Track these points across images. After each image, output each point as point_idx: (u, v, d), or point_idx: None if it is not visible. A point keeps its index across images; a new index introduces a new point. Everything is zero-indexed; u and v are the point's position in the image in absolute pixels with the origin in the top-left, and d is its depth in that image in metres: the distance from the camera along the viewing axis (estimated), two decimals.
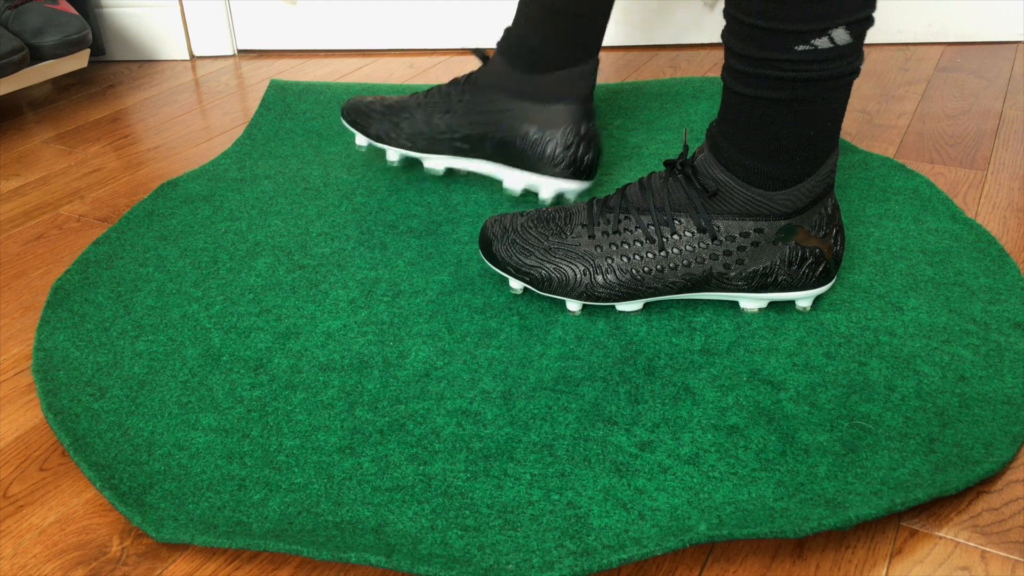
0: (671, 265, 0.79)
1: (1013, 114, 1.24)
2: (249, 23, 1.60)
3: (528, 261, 0.83)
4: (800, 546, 0.61)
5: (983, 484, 0.65)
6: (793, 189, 0.76)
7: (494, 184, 1.09)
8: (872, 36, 1.54)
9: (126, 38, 1.60)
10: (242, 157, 1.19)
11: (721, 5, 1.54)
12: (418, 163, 1.15)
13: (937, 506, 0.64)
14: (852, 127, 1.23)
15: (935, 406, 0.71)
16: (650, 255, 0.80)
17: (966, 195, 1.04)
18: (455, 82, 1.04)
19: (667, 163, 0.81)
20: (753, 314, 0.82)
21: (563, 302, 0.85)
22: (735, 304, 0.84)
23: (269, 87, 1.40)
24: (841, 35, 0.69)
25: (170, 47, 1.60)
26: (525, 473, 0.66)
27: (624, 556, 0.58)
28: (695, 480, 0.65)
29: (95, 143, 1.28)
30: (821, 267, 0.80)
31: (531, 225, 0.84)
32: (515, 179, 1.02)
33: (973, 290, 0.84)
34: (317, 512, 0.63)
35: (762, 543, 0.62)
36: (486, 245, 0.85)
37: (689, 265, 0.79)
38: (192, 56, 1.62)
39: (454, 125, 1.03)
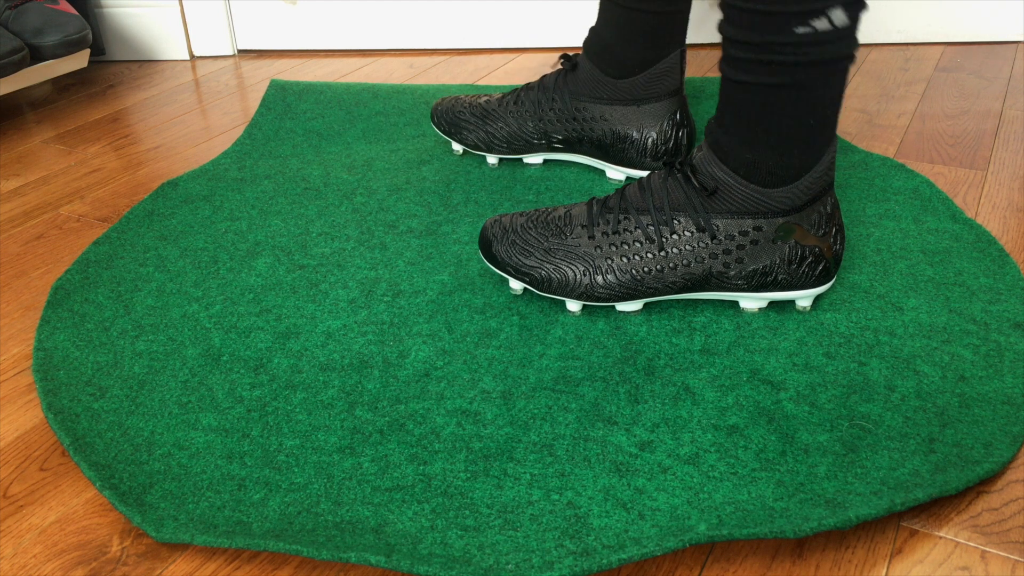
0: (671, 265, 0.79)
1: (1013, 114, 1.24)
2: (249, 23, 1.60)
3: (528, 262, 0.83)
4: (800, 546, 0.61)
5: (983, 484, 0.65)
6: (792, 186, 0.76)
7: (494, 184, 1.09)
8: (872, 36, 1.54)
9: (126, 38, 1.60)
10: (242, 157, 1.19)
11: None
12: (417, 163, 1.15)
13: (937, 506, 0.64)
14: (852, 127, 1.23)
15: (935, 406, 0.71)
16: (650, 255, 0.80)
17: (966, 195, 1.04)
18: (543, 87, 1.08)
19: (666, 162, 0.81)
20: (753, 314, 0.82)
21: (563, 302, 0.85)
22: (735, 304, 0.84)
23: (269, 87, 1.40)
24: (839, 16, 0.70)
25: (170, 47, 1.60)
26: (525, 473, 0.66)
27: (624, 556, 0.58)
28: (695, 480, 0.65)
29: (95, 143, 1.28)
30: (821, 266, 0.80)
31: (531, 226, 0.84)
32: (616, 171, 1.07)
33: (973, 290, 0.84)
34: (317, 512, 0.63)
35: (762, 543, 0.62)
36: (486, 246, 0.85)
37: (689, 265, 0.79)
38: (192, 56, 1.62)
39: (548, 130, 1.08)
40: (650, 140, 1.03)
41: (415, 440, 0.69)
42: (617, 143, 1.04)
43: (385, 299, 0.87)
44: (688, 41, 1.58)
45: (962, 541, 0.61)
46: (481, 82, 1.44)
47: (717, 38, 1.57)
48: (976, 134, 1.18)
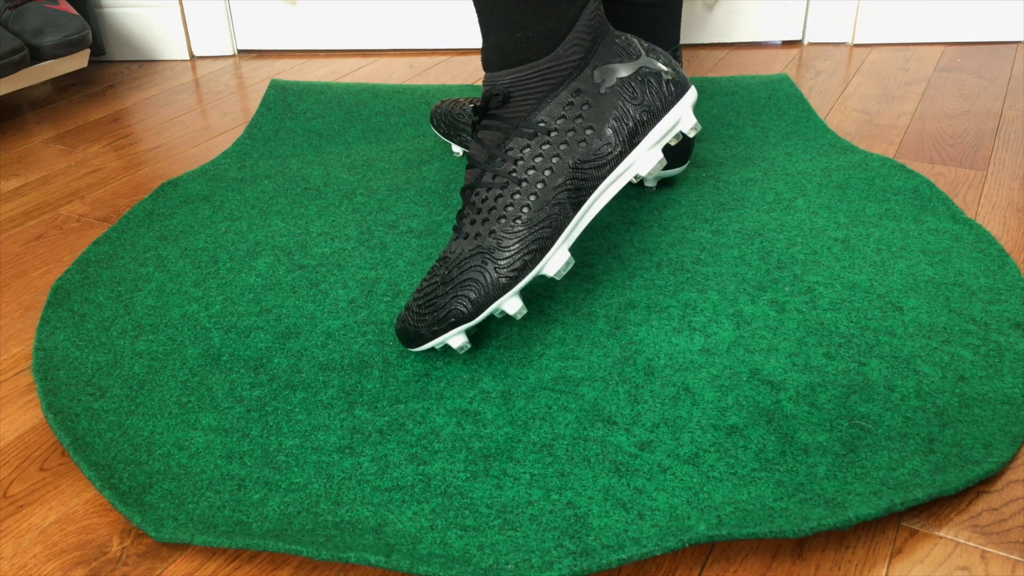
0: (539, 189, 0.73)
1: (1013, 114, 1.24)
2: (249, 23, 1.60)
3: (438, 314, 0.74)
4: (800, 546, 0.61)
5: (983, 484, 0.65)
6: (569, 37, 0.72)
7: None
8: (872, 36, 1.54)
9: (126, 38, 1.60)
10: (242, 157, 1.19)
11: (721, 5, 1.54)
12: (417, 163, 1.15)
13: (937, 506, 0.64)
14: (852, 127, 1.23)
15: (935, 406, 0.71)
16: (517, 198, 0.73)
17: (966, 195, 1.04)
18: None
19: (472, 130, 0.77)
20: (753, 314, 0.82)
21: (557, 301, 0.85)
22: (735, 304, 0.84)
23: (269, 87, 1.40)
24: None
25: (170, 47, 1.60)
26: (525, 473, 0.66)
27: (624, 556, 0.58)
28: (695, 480, 0.65)
29: (95, 143, 1.28)
30: (666, 81, 0.75)
31: (421, 290, 0.76)
32: None
33: (973, 290, 0.84)
34: (317, 512, 0.63)
35: (762, 543, 0.62)
36: (412, 340, 0.76)
37: (554, 171, 0.73)
38: (192, 56, 1.62)
39: None
40: None
41: (415, 440, 0.69)
42: None
43: (385, 299, 0.87)
44: (687, 41, 1.58)
45: (962, 541, 0.61)
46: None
47: (716, 38, 1.57)
48: (976, 134, 1.18)
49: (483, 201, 0.75)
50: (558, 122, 0.74)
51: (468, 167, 0.77)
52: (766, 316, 0.82)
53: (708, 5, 1.54)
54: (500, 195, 0.74)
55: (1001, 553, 0.60)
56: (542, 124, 0.74)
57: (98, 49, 1.59)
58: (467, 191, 0.77)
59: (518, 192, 0.74)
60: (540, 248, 0.74)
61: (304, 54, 1.61)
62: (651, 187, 1.05)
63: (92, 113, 1.38)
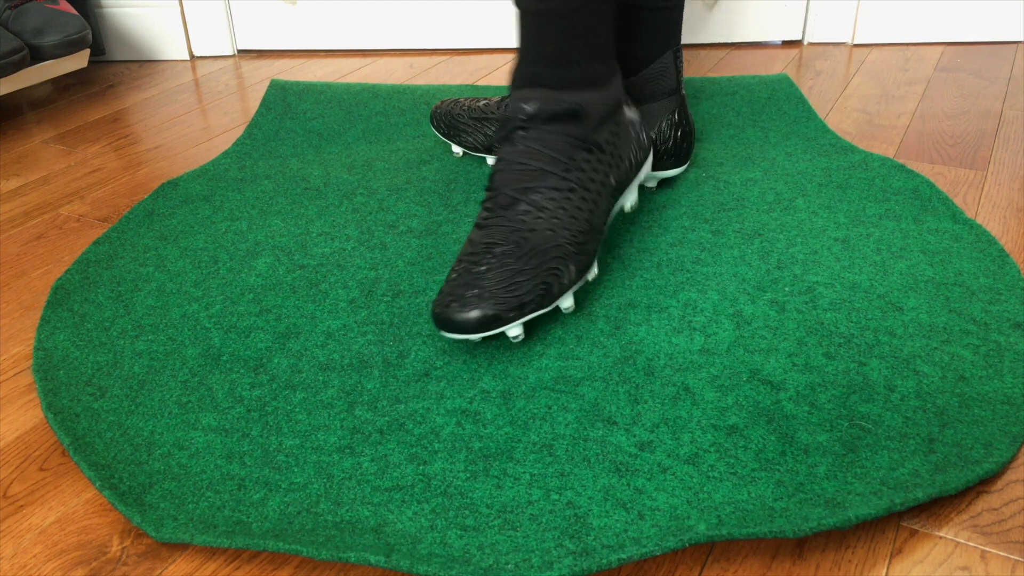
0: (595, 199, 0.82)
1: (1013, 114, 1.24)
2: (249, 23, 1.60)
3: (525, 297, 0.76)
4: (800, 546, 0.61)
5: (983, 484, 0.65)
6: (616, 76, 0.86)
7: None
8: (872, 36, 1.54)
9: (126, 38, 1.60)
10: (242, 157, 1.19)
11: (721, 5, 1.54)
12: (417, 163, 1.15)
13: (937, 506, 0.64)
14: (852, 127, 1.23)
15: (935, 406, 0.71)
16: (583, 204, 0.81)
17: (966, 195, 1.04)
18: None
19: (501, 137, 0.83)
20: (753, 314, 0.82)
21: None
22: (735, 304, 0.84)
23: (269, 87, 1.40)
24: None
25: (170, 47, 1.61)
26: (525, 473, 0.66)
27: (623, 556, 0.58)
28: (694, 480, 0.65)
29: (95, 143, 1.28)
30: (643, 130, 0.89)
31: (480, 275, 0.77)
32: None
33: (973, 290, 0.84)
34: (317, 512, 0.63)
35: (762, 543, 0.62)
36: (485, 324, 0.75)
37: (604, 186, 0.83)
38: (192, 56, 1.62)
39: None
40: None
41: (415, 440, 0.69)
42: None
43: (385, 299, 0.87)
44: (687, 41, 1.58)
45: (962, 541, 0.61)
46: (481, 82, 1.44)
47: (716, 38, 1.57)
48: (976, 134, 1.18)
49: (550, 201, 0.79)
50: (608, 145, 0.84)
51: (518, 166, 0.81)
52: (766, 316, 0.82)
53: (708, 5, 1.54)
54: (569, 198, 0.80)
55: (1001, 553, 0.60)
56: (601, 143, 0.83)
57: (98, 49, 1.59)
58: (525, 190, 0.80)
59: (584, 199, 0.81)
60: (593, 253, 0.82)
61: (304, 54, 1.61)
62: (651, 187, 1.05)
63: (92, 113, 1.38)
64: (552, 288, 0.78)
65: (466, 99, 1.15)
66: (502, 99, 1.12)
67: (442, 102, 1.16)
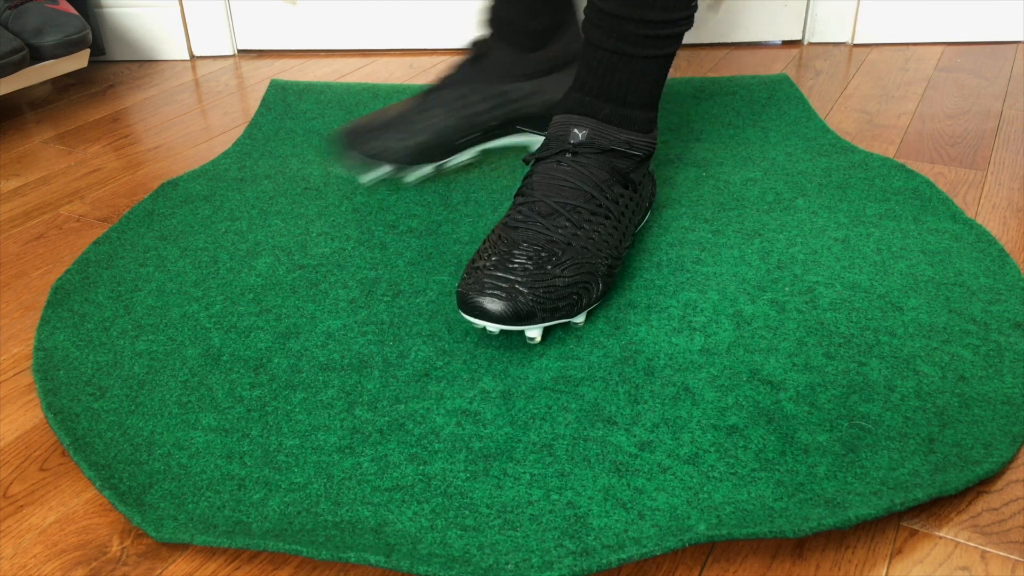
0: (620, 233, 0.85)
1: (1013, 114, 1.24)
2: (249, 23, 1.60)
3: (560, 303, 0.77)
4: (800, 546, 0.61)
5: (983, 484, 0.65)
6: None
7: (494, 183, 1.09)
8: (872, 36, 1.54)
9: (126, 38, 1.60)
10: (242, 157, 1.19)
11: (722, 5, 1.54)
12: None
13: (937, 506, 0.64)
14: (852, 127, 1.23)
15: (935, 406, 0.70)
16: (613, 232, 0.84)
17: (966, 195, 1.04)
18: (461, 81, 1.03)
19: (539, 157, 0.85)
20: (753, 314, 0.82)
21: None
22: (735, 304, 0.84)
23: (269, 87, 1.40)
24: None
25: (170, 47, 1.61)
26: (525, 473, 0.66)
27: (623, 556, 0.58)
28: (694, 480, 0.65)
29: (95, 143, 1.28)
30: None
31: (517, 266, 0.78)
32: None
33: (973, 290, 0.84)
34: (317, 512, 0.63)
35: (762, 543, 0.62)
36: (517, 317, 0.76)
37: (628, 226, 0.87)
38: (192, 56, 1.62)
39: (480, 122, 1.03)
40: None
41: (415, 440, 0.69)
42: (545, 112, 1.04)
43: (385, 299, 0.87)
44: (688, 41, 1.58)
45: (962, 541, 0.61)
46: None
47: (716, 38, 1.57)
48: (976, 134, 1.18)
49: (587, 223, 0.82)
50: (640, 186, 0.89)
51: (561, 182, 0.83)
52: (766, 316, 0.82)
53: (710, 5, 1.54)
54: (604, 225, 0.83)
55: (1001, 553, 0.60)
56: (636, 183, 0.87)
57: (98, 49, 1.59)
58: (566, 205, 0.82)
59: (615, 228, 0.84)
60: (614, 280, 0.85)
61: (304, 54, 1.61)
62: None
63: (92, 113, 1.38)
64: (582, 300, 0.79)
65: (366, 116, 1.03)
66: (409, 105, 1.03)
67: (341, 129, 1.03)
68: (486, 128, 1.04)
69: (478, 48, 1.04)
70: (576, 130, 0.84)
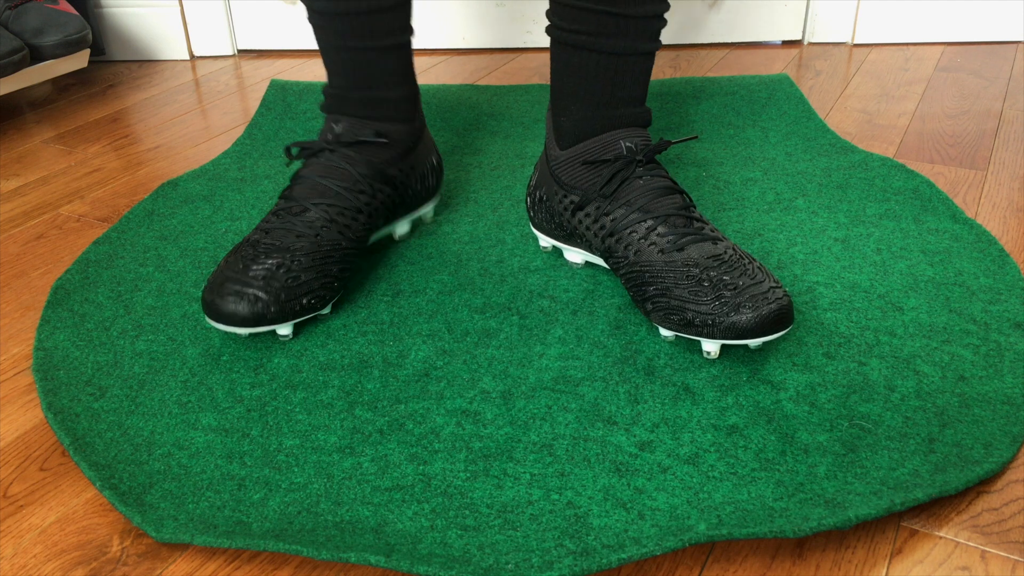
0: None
1: (1013, 114, 1.24)
2: (249, 23, 1.60)
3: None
4: (800, 546, 0.61)
5: (983, 484, 0.65)
6: None
7: (494, 183, 1.09)
8: (872, 36, 1.54)
9: (126, 38, 1.60)
10: (242, 157, 1.19)
11: (722, 5, 1.54)
12: None
13: (937, 506, 0.64)
14: (852, 127, 1.23)
15: (935, 406, 0.71)
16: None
17: (966, 195, 1.04)
18: (333, 191, 0.87)
19: (648, 159, 0.84)
20: None
21: (557, 301, 0.85)
22: None
23: (269, 87, 1.40)
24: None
25: (170, 47, 1.61)
26: (525, 473, 0.66)
27: (624, 556, 0.58)
28: (695, 480, 0.65)
29: (95, 143, 1.28)
30: None
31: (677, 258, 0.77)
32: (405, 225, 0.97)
33: (973, 290, 0.84)
34: (317, 512, 0.63)
35: (762, 543, 0.62)
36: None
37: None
38: (192, 56, 1.62)
39: (371, 214, 0.89)
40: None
41: (415, 440, 0.69)
42: (426, 191, 0.97)
43: (385, 299, 0.87)
44: (688, 41, 1.58)
45: (962, 541, 0.61)
46: (481, 82, 1.44)
47: (716, 38, 1.57)
48: (976, 134, 1.18)
49: (626, 249, 0.81)
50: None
51: (608, 204, 0.83)
52: None
53: (709, 5, 1.54)
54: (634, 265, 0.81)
55: (1001, 553, 0.60)
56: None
57: (98, 49, 1.59)
58: (612, 235, 0.82)
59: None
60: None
61: (304, 54, 1.61)
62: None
63: (92, 113, 1.38)
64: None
65: (222, 265, 0.80)
66: (262, 225, 0.84)
67: (209, 285, 0.80)
68: (377, 216, 0.91)
69: (307, 151, 0.91)
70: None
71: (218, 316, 0.78)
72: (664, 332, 0.79)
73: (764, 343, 0.78)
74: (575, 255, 0.90)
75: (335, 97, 0.91)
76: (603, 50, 0.81)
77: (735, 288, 0.74)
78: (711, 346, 0.76)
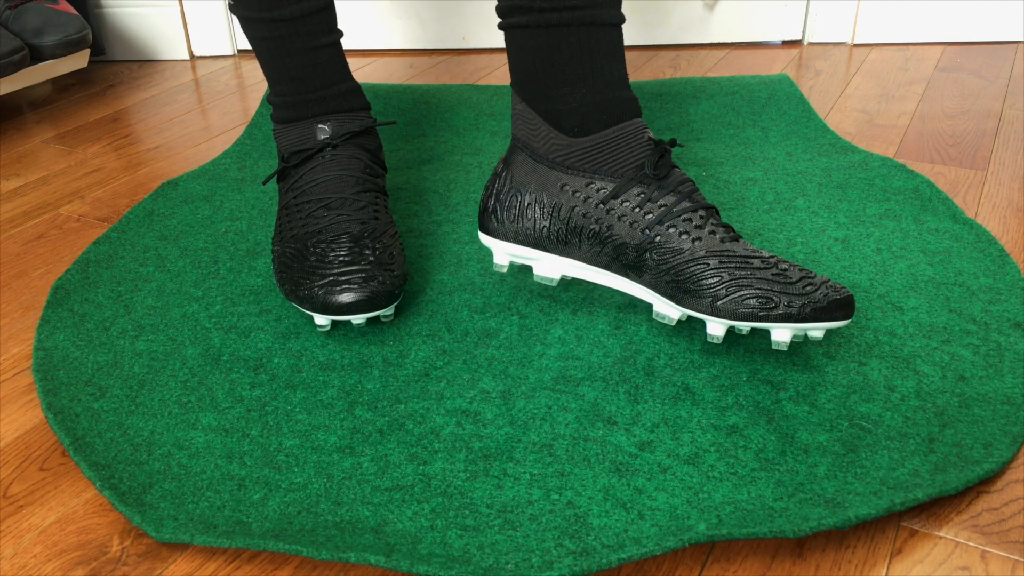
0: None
1: (1013, 114, 1.24)
2: None
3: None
4: (800, 546, 0.61)
5: (983, 484, 0.65)
6: None
7: None
8: (872, 36, 1.54)
9: (126, 38, 1.60)
10: (242, 157, 1.19)
11: (721, 5, 1.54)
12: (417, 163, 1.15)
13: (937, 506, 0.64)
14: (852, 127, 1.23)
15: (935, 406, 0.71)
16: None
17: (966, 195, 1.04)
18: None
19: (666, 148, 0.79)
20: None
21: (557, 301, 0.85)
22: None
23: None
24: None
25: (170, 47, 1.61)
26: (525, 473, 0.66)
27: (623, 556, 0.58)
28: (695, 480, 0.65)
29: (95, 143, 1.28)
30: None
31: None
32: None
33: (973, 290, 0.84)
34: (317, 512, 0.63)
35: (762, 543, 0.62)
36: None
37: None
38: (192, 56, 1.62)
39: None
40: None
41: (415, 440, 0.69)
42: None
43: None
44: (688, 41, 1.58)
45: (962, 541, 0.61)
46: (481, 82, 1.44)
47: (716, 38, 1.57)
48: (976, 134, 1.18)
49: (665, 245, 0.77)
50: None
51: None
52: None
53: (708, 5, 1.54)
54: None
55: (1001, 553, 0.60)
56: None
57: (98, 49, 1.59)
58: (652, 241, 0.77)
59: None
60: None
61: None
62: None
63: (92, 113, 1.39)
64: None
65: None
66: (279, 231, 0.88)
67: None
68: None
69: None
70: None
71: (339, 309, 0.79)
72: (716, 330, 0.75)
73: (826, 331, 0.77)
74: (551, 269, 0.82)
75: (289, 104, 0.92)
76: (603, 22, 0.77)
77: (807, 276, 0.73)
78: (718, 328, 0.74)
